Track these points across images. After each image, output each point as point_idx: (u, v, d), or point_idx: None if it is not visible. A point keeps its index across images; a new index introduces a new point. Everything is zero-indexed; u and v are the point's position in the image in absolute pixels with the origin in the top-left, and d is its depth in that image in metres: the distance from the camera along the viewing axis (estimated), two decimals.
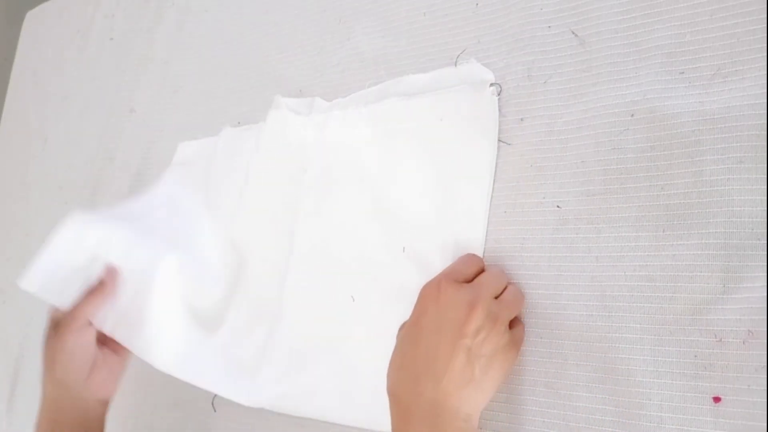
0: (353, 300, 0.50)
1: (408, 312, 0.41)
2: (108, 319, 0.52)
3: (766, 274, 0.35)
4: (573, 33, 0.45)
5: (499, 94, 0.48)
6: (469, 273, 0.42)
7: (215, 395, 0.56)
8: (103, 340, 0.53)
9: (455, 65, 0.51)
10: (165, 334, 0.53)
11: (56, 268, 0.52)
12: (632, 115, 0.41)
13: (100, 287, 0.51)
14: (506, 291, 0.41)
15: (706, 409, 0.35)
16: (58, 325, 0.50)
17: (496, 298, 0.40)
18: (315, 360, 0.51)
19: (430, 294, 0.39)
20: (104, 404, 0.53)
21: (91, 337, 0.51)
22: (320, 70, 0.61)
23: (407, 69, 0.54)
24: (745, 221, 0.36)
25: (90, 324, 0.51)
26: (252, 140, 0.62)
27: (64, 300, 0.51)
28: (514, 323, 0.41)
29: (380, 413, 0.41)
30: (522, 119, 0.46)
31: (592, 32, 0.45)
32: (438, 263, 0.46)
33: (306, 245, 0.54)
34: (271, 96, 0.63)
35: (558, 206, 0.43)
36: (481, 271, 0.43)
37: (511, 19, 0.49)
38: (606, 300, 0.39)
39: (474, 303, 0.38)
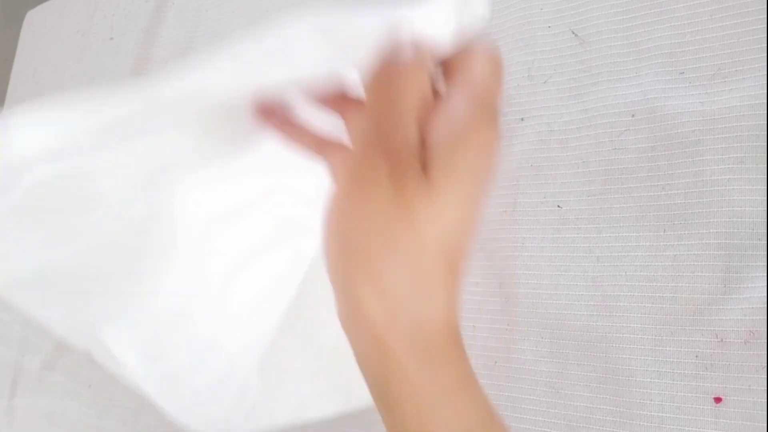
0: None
1: None
2: None
3: (766, 274, 0.35)
4: (573, 33, 0.45)
5: None
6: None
7: None
8: None
9: None
10: None
11: None
12: (633, 116, 0.41)
13: None
14: None
15: (707, 410, 0.35)
16: None
17: None
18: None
19: None
20: None
21: None
22: None
23: None
24: (745, 221, 0.36)
25: None
26: None
27: None
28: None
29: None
30: (522, 119, 0.46)
31: (592, 32, 0.45)
32: None
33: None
34: None
35: (559, 206, 0.43)
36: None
37: (511, 19, 0.49)
38: (607, 300, 0.39)
39: None
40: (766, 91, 0.37)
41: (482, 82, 0.23)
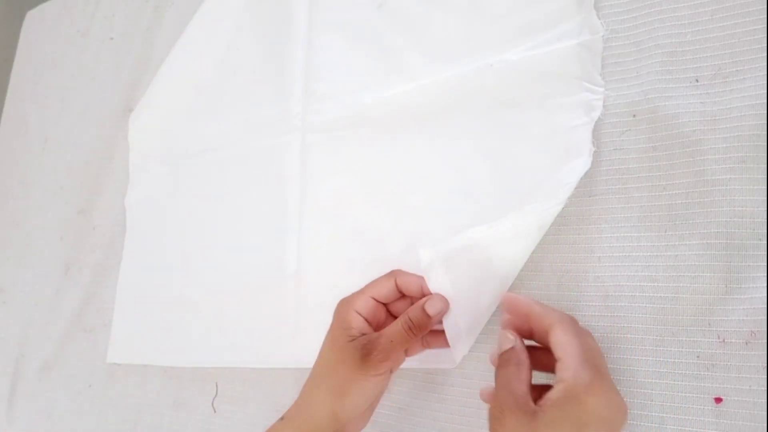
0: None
1: None
2: None
3: (766, 274, 0.35)
4: None
5: None
6: None
7: (216, 395, 0.56)
8: None
9: None
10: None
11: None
12: (634, 116, 0.41)
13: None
14: None
15: (708, 410, 0.35)
16: (370, 355, 0.39)
17: None
18: None
19: None
20: None
21: (388, 382, 0.42)
22: None
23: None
24: (746, 221, 0.36)
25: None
26: None
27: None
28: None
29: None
30: None
31: None
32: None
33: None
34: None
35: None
36: None
37: None
38: (608, 300, 0.39)
39: None
40: (766, 91, 0.37)
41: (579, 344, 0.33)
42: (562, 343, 0.34)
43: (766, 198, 0.36)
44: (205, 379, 0.57)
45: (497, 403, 0.34)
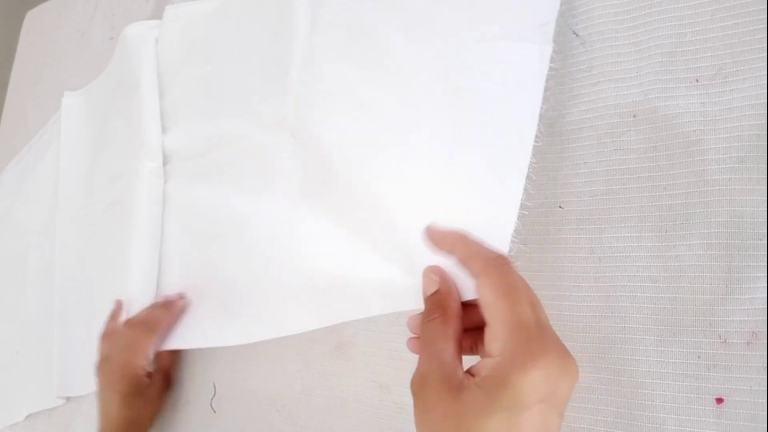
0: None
1: None
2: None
3: (767, 274, 0.35)
4: (574, 33, 0.45)
5: None
6: None
7: (214, 395, 0.56)
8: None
9: None
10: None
11: None
12: (634, 116, 0.41)
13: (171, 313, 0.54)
14: None
15: (709, 410, 0.35)
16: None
17: None
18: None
19: None
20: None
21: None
22: None
23: None
24: (746, 221, 0.36)
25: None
26: None
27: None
28: None
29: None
30: None
31: (593, 32, 0.44)
32: None
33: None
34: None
35: (560, 206, 0.43)
36: None
37: None
38: (609, 301, 0.39)
39: None
40: (766, 91, 0.37)
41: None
42: (488, 304, 0.27)
43: (766, 198, 0.36)
44: (205, 379, 0.57)
45: (419, 372, 0.27)
